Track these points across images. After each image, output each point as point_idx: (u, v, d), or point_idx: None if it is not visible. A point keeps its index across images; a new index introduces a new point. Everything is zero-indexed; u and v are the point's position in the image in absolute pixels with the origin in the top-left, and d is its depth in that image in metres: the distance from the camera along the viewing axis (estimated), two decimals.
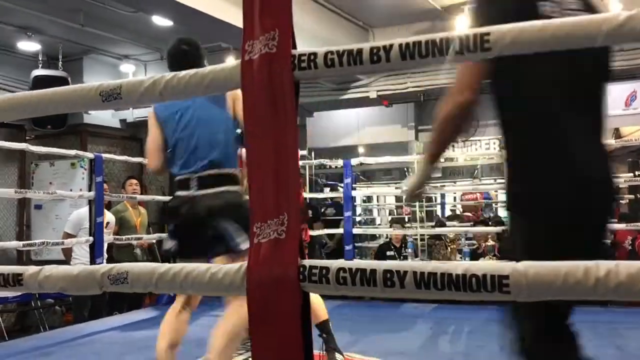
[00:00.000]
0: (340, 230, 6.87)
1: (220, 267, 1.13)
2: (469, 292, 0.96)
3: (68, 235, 5.42)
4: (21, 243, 4.54)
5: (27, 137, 7.34)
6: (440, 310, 5.15)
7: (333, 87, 6.99)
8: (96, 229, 4.67)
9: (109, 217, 5.38)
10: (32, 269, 1.28)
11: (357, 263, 1.04)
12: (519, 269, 0.93)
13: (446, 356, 3.61)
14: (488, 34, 1.00)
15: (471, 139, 7.62)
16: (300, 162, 7.77)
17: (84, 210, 5.72)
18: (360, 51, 1.05)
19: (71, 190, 6.83)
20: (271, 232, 1.09)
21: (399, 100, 7.13)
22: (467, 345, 3.95)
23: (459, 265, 0.97)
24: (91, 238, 4.69)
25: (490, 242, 5.93)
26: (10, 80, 7.06)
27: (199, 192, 2.51)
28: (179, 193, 2.57)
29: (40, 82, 6.40)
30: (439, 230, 6.46)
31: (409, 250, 6.34)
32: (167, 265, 1.17)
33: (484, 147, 8.05)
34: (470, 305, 5.01)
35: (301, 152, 10.01)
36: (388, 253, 6.73)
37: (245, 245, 2.35)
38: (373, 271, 1.01)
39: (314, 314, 3.35)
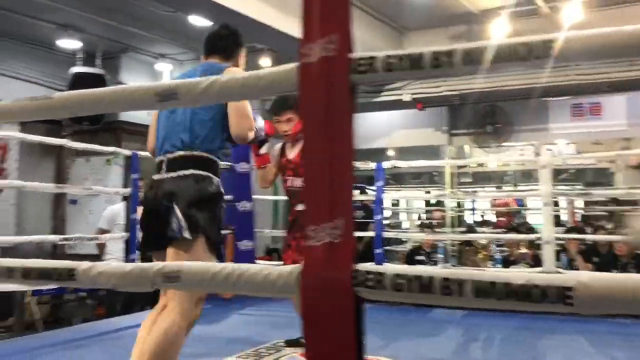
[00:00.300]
0: (369, 233, 6.85)
1: (274, 268, 1.14)
2: (530, 303, 0.94)
3: (102, 231, 5.51)
4: (59, 237, 4.62)
5: (63, 133, 7.48)
6: (471, 317, 5.09)
7: (367, 89, 6.99)
8: (131, 226, 4.74)
9: None
10: (84, 264, 1.30)
11: (414, 269, 1.03)
12: (584, 281, 0.91)
13: None
14: (552, 41, 0.99)
15: (504, 144, 7.56)
16: None
17: (118, 207, 5.81)
18: (421, 56, 1.05)
19: (106, 186, 6.94)
20: (325, 235, 1.09)
21: (433, 103, 7.09)
22: (500, 353, 3.90)
23: (520, 275, 0.96)
24: (126, 234, 4.76)
25: (523, 250, 5.84)
26: (49, 77, 7.21)
27: (165, 175, 2.30)
28: (153, 176, 2.38)
29: (79, 79, 6.52)
30: (474, 236, 6.40)
31: (440, 255, 6.29)
32: (220, 265, 1.18)
33: (518, 152, 7.95)
34: (501, 312, 4.96)
35: None
36: (418, 257, 6.69)
37: (185, 234, 2.16)
38: (431, 278, 1.00)
39: None
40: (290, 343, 3.74)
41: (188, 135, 2.29)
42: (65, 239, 4.50)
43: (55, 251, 7.33)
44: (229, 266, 1.17)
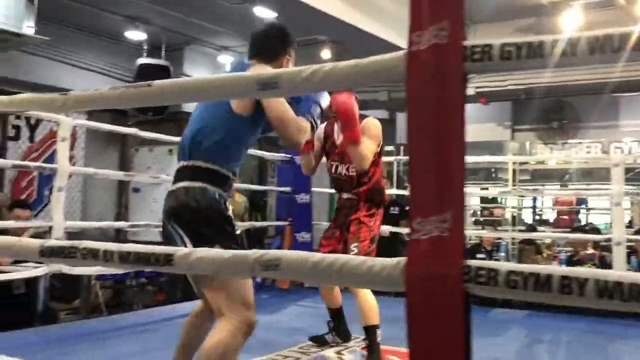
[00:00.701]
0: None
1: (377, 259, 1.12)
2: None
3: None
4: (127, 224, 4.75)
5: (128, 123, 7.68)
6: (534, 318, 4.96)
7: None
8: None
9: None
10: (182, 250, 1.31)
11: (529, 267, 0.99)
12: None
13: None
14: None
15: (570, 141, 7.30)
16: (390, 158, 7.70)
17: None
18: (541, 44, 1.00)
19: (168, 175, 7.08)
20: (433, 228, 1.06)
21: (498, 97, 6.91)
22: (567, 356, 3.78)
23: None
24: None
25: (590, 250, 5.64)
26: (116, 68, 7.41)
27: (172, 187, 2.18)
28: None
29: (145, 70, 6.68)
30: (542, 235, 6.22)
31: (502, 254, 6.15)
32: (320, 255, 1.17)
33: (584, 150, 7.68)
34: (567, 314, 4.81)
35: (388, 148, 9.95)
36: (478, 255, 6.56)
37: None
38: (549, 276, 0.96)
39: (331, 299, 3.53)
40: (315, 339, 3.69)
41: (191, 145, 2.16)
42: (133, 226, 4.61)
43: (119, 237, 7.56)
44: (330, 256, 1.15)
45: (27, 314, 4.47)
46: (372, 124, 3.34)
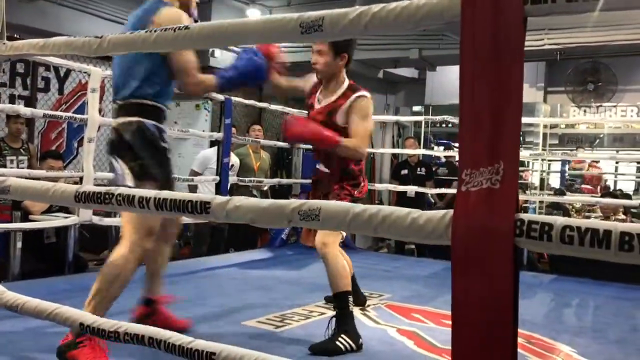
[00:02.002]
0: (452, 191, 6.69)
1: (422, 212, 1.08)
2: None
3: (195, 173, 5.67)
4: None
5: None
6: (561, 282, 4.92)
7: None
8: (222, 169, 4.82)
9: (234, 159, 5.57)
10: (219, 198, 1.29)
11: (586, 222, 0.94)
12: None
13: (573, 329, 3.43)
14: None
15: (606, 104, 7.09)
16: (419, 118, 7.59)
17: (211, 151, 5.94)
18: None
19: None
20: (484, 180, 1.01)
21: (532, 57, 6.69)
22: (595, 321, 3.74)
23: None
24: (217, 177, 4.86)
25: (621, 216, 5.54)
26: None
27: (113, 122, 2.44)
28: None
29: None
30: (572, 198, 6.11)
31: None
32: (362, 206, 1.13)
33: (619, 113, 7.45)
34: (594, 279, 4.76)
35: (416, 108, 9.82)
36: None
37: (129, 182, 2.30)
38: (607, 232, 0.91)
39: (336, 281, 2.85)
40: (330, 299, 3.40)
41: (122, 81, 2.39)
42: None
43: None
44: (372, 208, 1.12)
45: (57, 263, 4.56)
46: (364, 104, 2.89)
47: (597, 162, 8.80)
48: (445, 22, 1.08)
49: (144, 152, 2.35)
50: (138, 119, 2.33)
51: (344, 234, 2.98)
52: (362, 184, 3.08)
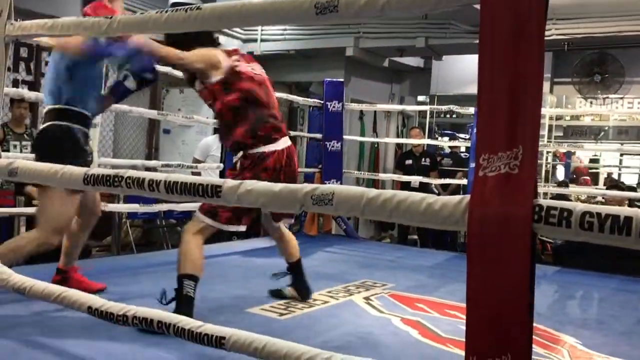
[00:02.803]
0: (456, 181, 6.67)
1: (438, 198, 1.06)
2: None
3: (197, 161, 5.66)
4: (160, 163, 4.76)
5: (160, 63, 7.61)
6: (565, 274, 4.90)
7: (468, 29, 6.62)
8: (226, 157, 4.81)
9: None
10: (230, 182, 1.28)
11: (606, 208, 0.93)
12: None
13: (578, 321, 3.42)
14: None
15: (612, 95, 7.04)
16: (425, 107, 7.55)
17: (212, 138, 5.92)
18: None
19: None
20: (502, 165, 0.99)
21: None
22: (599, 313, 3.73)
23: None
24: (221, 165, 4.84)
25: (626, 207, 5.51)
26: (149, 6, 7.30)
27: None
28: None
29: None
30: (577, 190, 6.10)
31: None
32: (377, 191, 1.12)
33: (626, 106, 7.40)
34: (597, 272, 4.75)
35: (421, 98, 9.77)
36: None
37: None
38: (628, 219, 0.90)
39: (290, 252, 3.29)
40: (274, 293, 3.36)
41: (46, 91, 2.74)
42: (166, 165, 4.62)
43: None
44: (387, 192, 1.10)
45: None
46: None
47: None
48: (463, 4, 1.05)
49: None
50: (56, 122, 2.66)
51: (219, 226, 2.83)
52: (260, 158, 2.77)
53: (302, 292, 3.34)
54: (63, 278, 3.16)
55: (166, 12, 1.35)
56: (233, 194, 1.24)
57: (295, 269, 3.31)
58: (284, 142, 2.90)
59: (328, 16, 1.16)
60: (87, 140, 2.79)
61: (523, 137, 0.98)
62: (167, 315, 1.35)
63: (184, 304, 2.60)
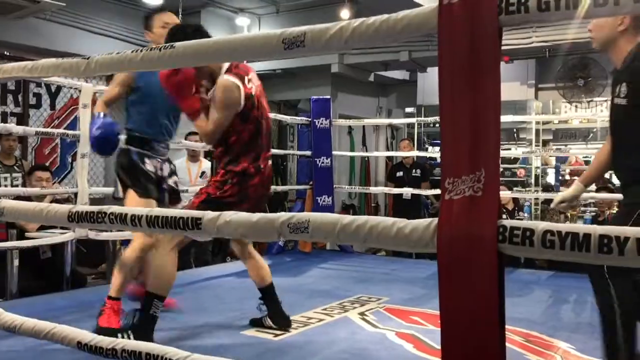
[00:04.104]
0: (422, 192, 6.69)
1: (409, 222, 1.10)
2: None
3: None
4: None
5: None
6: (559, 279, 4.94)
7: None
8: None
9: (205, 166, 5.58)
10: (210, 214, 1.31)
11: (567, 226, 0.96)
12: None
13: (571, 326, 3.45)
14: None
15: (597, 98, 7.12)
16: (412, 120, 7.62)
17: (177, 162, 5.92)
18: None
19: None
20: (466, 188, 1.03)
21: (521, 55, 6.75)
22: (593, 317, 3.74)
23: None
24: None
25: (616, 210, 5.56)
26: (133, 33, 7.36)
27: None
28: None
29: None
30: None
31: (525, 214, 6.09)
32: (350, 217, 1.15)
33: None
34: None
35: (409, 110, 9.85)
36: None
37: (120, 195, 3.14)
38: (587, 235, 0.94)
39: (261, 276, 3.13)
40: (254, 322, 3.23)
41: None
42: None
43: None
44: (360, 218, 1.14)
45: (55, 279, 4.56)
46: (218, 86, 2.68)
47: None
48: (423, 35, 1.10)
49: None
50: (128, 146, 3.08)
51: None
52: (227, 182, 2.74)
53: (279, 321, 3.14)
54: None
55: (141, 51, 1.39)
56: (213, 226, 1.28)
57: (266, 295, 3.15)
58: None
59: (295, 51, 1.21)
60: (153, 163, 3.12)
61: (485, 160, 1.02)
62: (155, 347, 1.37)
63: (146, 323, 2.64)
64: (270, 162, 2.97)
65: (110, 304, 2.95)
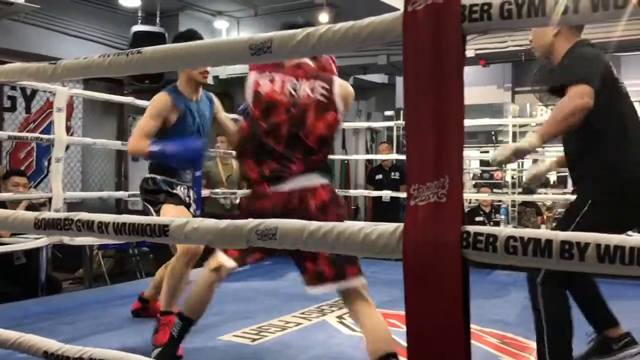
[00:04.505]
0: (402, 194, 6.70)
1: (375, 228, 1.10)
2: None
3: None
4: (126, 193, 4.74)
5: (125, 92, 7.60)
6: None
7: None
8: (194, 182, 4.79)
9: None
10: (178, 220, 1.30)
11: (529, 232, 0.97)
12: None
13: None
14: None
15: None
16: (391, 123, 7.64)
17: None
18: (543, 1, 0.96)
19: None
20: (430, 194, 1.04)
21: (498, 59, 6.81)
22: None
23: None
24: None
25: None
26: (110, 36, 7.29)
27: None
28: None
29: (140, 38, 6.56)
30: (540, 196, 6.19)
31: (502, 216, 6.15)
32: (318, 223, 1.15)
33: None
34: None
35: (388, 113, 9.88)
36: (477, 219, 6.58)
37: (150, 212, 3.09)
38: (549, 241, 0.94)
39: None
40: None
41: None
42: (133, 195, 4.60)
43: (119, 207, 7.56)
44: (327, 225, 1.14)
45: (29, 285, 4.49)
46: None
47: None
48: (388, 42, 1.10)
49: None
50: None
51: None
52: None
53: None
54: (143, 307, 3.55)
55: (108, 56, 1.37)
56: (180, 233, 1.27)
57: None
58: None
59: (263, 57, 1.20)
60: (181, 190, 3.19)
61: (449, 166, 1.03)
62: (123, 355, 1.36)
63: (171, 344, 2.52)
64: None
65: (163, 320, 2.84)
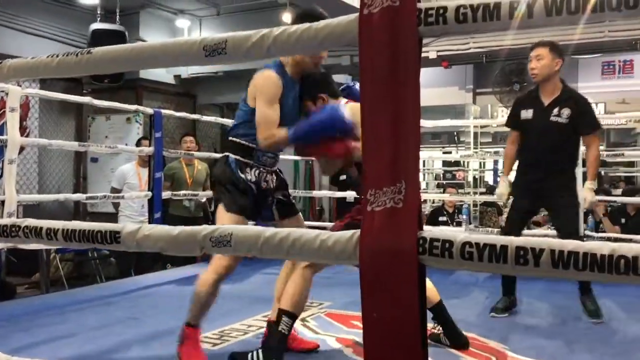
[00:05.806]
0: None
1: (331, 234, 1.08)
2: (614, 275, 0.88)
3: (114, 190, 5.54)
4: (84, 196, 4.62)
5: (84, 91, 7.43)
6: (495, 280, 5.04)
7: None
8: (154, 184, 4.71)
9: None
10: (129, 227, 1.26)
11: (485, 238, 0.97)
12: None
13: (506, 326, 3.53)
14: None
15: None
16: None
17: (128, 166, 5.80)
18: (498, 5, 0.96)
19: (126, 144, 6.91)
20: (387, 200, 1.02)
21: (459, 61, 6.89)
22: (528, 316, 3.86)
23: (604, 246, 0.89)
24: (149, 193, 4.74)
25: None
26: (68, 34, 7.12)
27: None
28: None
29: (99, 36, 6.42)
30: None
31: (464, 216, 6.22)
32: (273, 230, 1.13)
33: None
34: (527, 275, 4.91)
35: None
36: (440, 218, 6.64)
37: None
38: (504, 247, 0.94)
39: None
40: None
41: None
42: (90, 197, 4.49)
43: (78, 209, 7.39)
44: (282, 231, 1.11)
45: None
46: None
47: None
48: (345, 45, 1.08)
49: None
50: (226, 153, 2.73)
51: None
52: None
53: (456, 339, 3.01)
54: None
55: (57, 56, 1.32)
56: (132, 240, 1.23)
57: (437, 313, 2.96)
58: None
59: (217, 58, 1.17)
60: (254, 173, 2.71)
61: (405, 172, 1.01)
62: None
63: (278, 341, 2.63)
64: None
65: (189, 332, 2.68)
